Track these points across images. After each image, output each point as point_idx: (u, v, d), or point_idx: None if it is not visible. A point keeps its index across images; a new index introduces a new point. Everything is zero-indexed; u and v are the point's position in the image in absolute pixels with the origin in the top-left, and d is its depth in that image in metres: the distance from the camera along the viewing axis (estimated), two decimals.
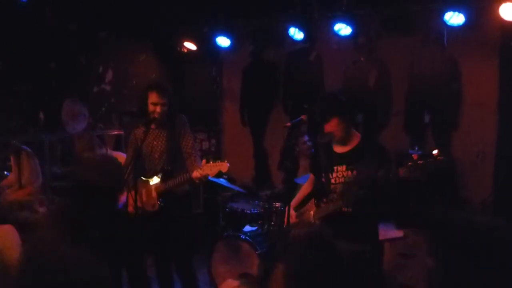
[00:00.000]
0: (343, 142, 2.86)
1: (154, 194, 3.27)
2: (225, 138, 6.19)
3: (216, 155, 6.00)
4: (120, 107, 5.56)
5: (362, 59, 5.12)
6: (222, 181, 4.22)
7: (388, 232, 3.93)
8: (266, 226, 3.96)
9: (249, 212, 4.13)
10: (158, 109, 3.23)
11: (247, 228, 4.02)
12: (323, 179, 2.90)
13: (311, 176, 3.16)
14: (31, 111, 4.86)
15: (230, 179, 4.59)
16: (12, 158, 4.17)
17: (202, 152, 6.13)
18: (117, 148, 4.86)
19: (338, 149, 2.88)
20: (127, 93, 5.64)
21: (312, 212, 2.99)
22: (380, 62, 5.06)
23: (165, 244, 3.33)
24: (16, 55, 4.62)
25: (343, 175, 2.80)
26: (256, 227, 4.02)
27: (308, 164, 4.46)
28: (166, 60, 5.94)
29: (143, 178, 3.33)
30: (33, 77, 4.80)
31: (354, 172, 2.76)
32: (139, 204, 3.23)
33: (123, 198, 3.77)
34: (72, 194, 1.77)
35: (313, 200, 3.03)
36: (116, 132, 5.35)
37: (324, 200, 2.89)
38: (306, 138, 4.48)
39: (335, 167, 2.84)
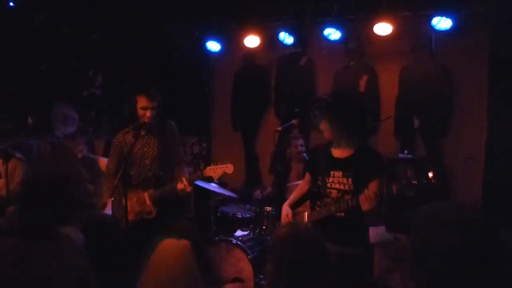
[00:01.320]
0: (341, 147, 2.87)
1: (148, 201, 3.25)
2: (216, 142, 6.18)
3: (207, 159, 5.99)
4: (110, 111, 5.52)
5: (352, 63, 5.15)
6: (213, 185, 4.21)
7: (379, 236, 3.95)
8: (257, 230, 3.95)
9: (240, 216, 4.12)
10: (148, 113, 3.20)
11: (239, 232, 4.01)
12: (319, 182, 2.91)
13: (307, 175, 3.15)
14: (19, 114, 4.81)
15: (221, 183, 4.57)
16: (1, 164, 4.10)
17: (193, 156, 6.11)
18: (106, 153, 4.81)
19: (336, 153, 2.89)
20: (117, 97, 5.61)
21: (306, 214, 3.01)
22: (370, 67, 5.10)
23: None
24: (5, 58, 4.58)
25: (338, 181, 2.82)
26: (248, 231, 4.01)
27: (302, 167, 4.48)
28: (156, 64, 5.92)
29: (132, 185, 3.26)
30: (22, 80, 4.76)
31: (350, 180, 2.78)
32: (134, 211, 3.21)
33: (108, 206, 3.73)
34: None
35: (308, 202, 3.03)
36: (105, 137, 5.31)
37: (318, 203, 2.90)
38: (300, 142, 4.49)
39: (331, 172, 2.85)
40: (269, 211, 3.95)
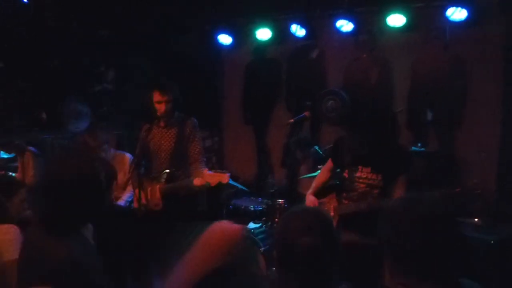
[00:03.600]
0: (369, 142, 2.86)
1: (157, 194, 3.29)
2: (228, 135, 6.19)
3: (219, 153, 6.01)
4: (121, 106, 5.56)
5: (364, 56, 5.10)
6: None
7: None
8: (269, 223, 3.96)
9: (252, 209, 4.14)
10: (162, 107, 3.25)
11: (251, 225, 4.03)
12: (345, 175, 2.91)
13: (329, 163, 3.15)
14: (33, 110, 4.86)
15: (233, 176, 4.59)
16: (18, 159, 4.18)
17: (205, 150, 6.13)
18: (119, 147, 4.85)
19: (364, 148, 2.88)
20: (129, 92, 5.63)
21: (332, 206, 3.01)
22: (382, 59, 5.05)
23: (170, 241, 3.34)
24: (18, 54, 4.62)
25: (367, 176, 2.84)
26: (260, 224, 4.02)
27: (311, 162, 4.47)
28: (168, 58, 5.93)
29: (150, 176, 3.35)
30: (35, 76, 4.80)
31: (379, 176, 2.79)
32: (143, 201, 3.25)
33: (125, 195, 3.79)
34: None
35: (333, 194, 3.04)
36: (118, 132, 5.35)
37: (345, 195, 2.91)
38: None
39: (359, 167, 2.86)
40: (281, 203, 3.95)
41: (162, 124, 3.34)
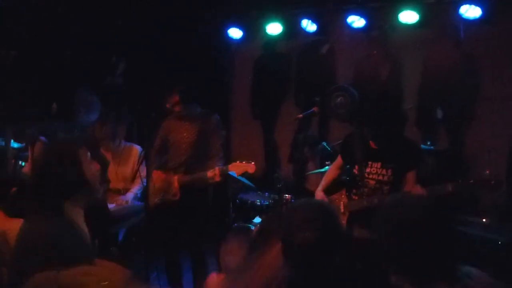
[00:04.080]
0: (378, 137, 2.85)
1: (176, 184, 3.35)
2: (236, 130, 6.19)
3: (226, 147, 6.00)
4: (132, 98, 5.58)
5: (375, 52, 5.07)
6: (231, 172, 4.24)
7: None
8: None
9: (259, 203, 4.15)
10: (176, 108, 3.40)
11: (257, 219, 4.04)
12: (355, 171, 2.90)
13: (338, 160, 3.16)
14: (45, 100, 4.90)
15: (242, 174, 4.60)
16: (29, 148, 4.23)
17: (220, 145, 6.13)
18: (128, 139, 4.88)
19: (374, 143, 2.88)
20: (139, 84, 5.66)
21: (342, 203, 3.01)
22: (393, 56, 5.01)
23: (179, 232, 3.39)
24: (30, 44, 4.65)
25: (377, 172, 2.83)
26: None
27: (319, 158, 4.46)
28: (177, 51, 5.94)
29: (168, 167, 3.43)
30: (47, 67, 4.83)
31: (389, 171, 2.77)
32: (160, 191, 3.35)
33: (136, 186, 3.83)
34: None
35: (342, 190, 3.04)
36: (127, 124, 5.38)
37: (355, 191, 2.91)
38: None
39: (369, 162, 2.86)
40: (288, 199, 3.95)
41: (185, 117, 3.42)
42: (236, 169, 3.20)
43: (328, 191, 3.14)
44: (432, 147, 4.44)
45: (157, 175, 3.43)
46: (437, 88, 4.76)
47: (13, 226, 2.40)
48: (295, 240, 1.32)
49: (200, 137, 3.37)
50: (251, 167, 3.17)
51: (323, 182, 3.19)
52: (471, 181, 2.67)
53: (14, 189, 2.54)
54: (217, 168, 3.25)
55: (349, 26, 4.83)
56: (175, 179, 3.37)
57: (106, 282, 1.00)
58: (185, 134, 3.40)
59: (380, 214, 1.47)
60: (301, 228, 1.33)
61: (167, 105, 3.41)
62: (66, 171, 1.80)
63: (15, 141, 4.51)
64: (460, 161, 4.54)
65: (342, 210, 2.97)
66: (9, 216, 2.47)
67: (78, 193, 1.83)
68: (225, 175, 3.29)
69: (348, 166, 3.09)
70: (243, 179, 4.34)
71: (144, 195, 3.79)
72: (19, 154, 4.60)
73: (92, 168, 1.90)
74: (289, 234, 1.36)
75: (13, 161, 4.45)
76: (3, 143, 4.43)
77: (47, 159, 1.88)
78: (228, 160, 3.48)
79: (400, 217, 1.40)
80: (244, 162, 3.21)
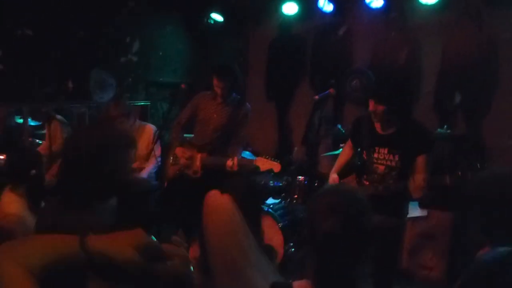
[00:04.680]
0: (386, 123, 2.80)
1: (198, 162, 3.41)
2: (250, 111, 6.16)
3: None
4: (146, 77, 5.59)
5: (393, 34, 4.96)
6: (246, 154, 4.24)
7: (412, 211, 3.90)
8: (289, 199, 3.97)
9: (272, 184, 4.15)
10: (219, 90, 3.40)
11: (270, 200, 4.05)
12: (364, 156, 2.88)
13: (349, 143, 3.15)
14: (61, 79, 4.94)
15: (253, 152, 4.59)
16: (46, 126, 4.27)
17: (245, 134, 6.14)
18: (143, 118, 4.90)
19: (380, 129, 2.83)
20: (154, 64, 5.66)
21: None
22: (412, 38, 4.90)
23: (192, 209, 3.42)
24: (46, 24, 4.67)
25: (384, 157, 2.80)
26: (279, 199, 4.03)
27: (330, 141, 4.43)
28: (192, 32, 5.90)
29: (192, 143, 3.50)
30: (62, 46, 4.85)
31: (396, 156, 2.74)
32: (182, 166, 3.46)
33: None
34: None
35: (353, 175, 3.02)
36: (142, 103, 5.40)
37: (365, 176, 2.89)
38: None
39: (376, 148, 2.82)
40: (301, 180, 3.95)
41: (218, 100, 3.44)
42: (261, 164, 3.19)
43: (340, 175, 3.12)
44: (448, 131, 4.37)
45: (181, 151, 3.49)
46: (456, 72, 4.66)
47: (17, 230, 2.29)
48: (319, 229, 1.32)
49: (229, 123, 3.41)
50: (276, 166, 3.15)
51: (336, 164, 3.18)
52: (469, 174, 2.58)
53: (33, 170, 2.48)
54: (235, 158, 3.28)
55: (367, 7, 4.74)
56: (198, 157, 3.42)
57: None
58: (215, 115, 3.45)
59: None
60: (325, 216, 1.32)
61: (215, 82, 3.41)
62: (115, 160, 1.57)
63: (31, 119, 4.56)
64: (477, 147, 4.46)
65: None
66: (28, 197, 2.44)
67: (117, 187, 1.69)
68: (244, 167, 3.31)
69: (358, 150, 3.06)
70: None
71: (159, 172, 3.82)
72: (36, 132, 4.66)
73: (130, 157, 1.84)
74: (313, 222, 1.35)
75: (29, 139, 4.51)
76: (21, 121, 4.48)
77: (89, 155, 1.49)
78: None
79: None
80: (270, 159, 3.20)
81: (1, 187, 2.56)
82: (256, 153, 4.59)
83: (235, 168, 3.26)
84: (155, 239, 1.01)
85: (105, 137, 1.55)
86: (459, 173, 2.54)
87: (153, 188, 4.01)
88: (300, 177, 3.96)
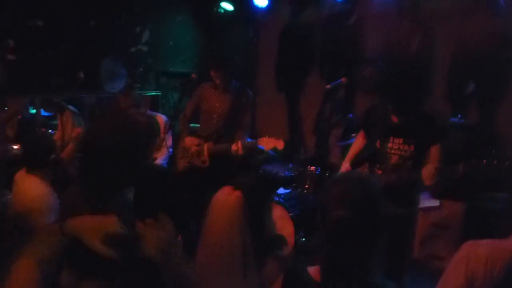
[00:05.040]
0: (400, 112, 2.78)
1: (205, 152, 3.51)
2: (260, 101, 6.15)
3: (250, 119, 5.99)
4: (156, 67, 5.60)
5: (404, 23, 4.89)
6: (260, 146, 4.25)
7: (424, 201, 3.88)
8: (299, 189, 3.98)
9: (283, 174, 4.16)
10: (218, 80, 3.49)
11: (281, 190, 4.05)
12: (377, 146, 2.87)
13: (362, 132, 3.14)
14: (72, 70, 4.96)
15: (252, 138, 4.60)
16: (58, 117, 4.32)
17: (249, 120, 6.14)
18: (153, 109, 4.92)
19: (396, 118, 2.81)
20: (164, 54, 5.66)
21: None
22: (424, 26, 4.83)
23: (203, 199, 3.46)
24: (57, 15, 4.68)
25: (399, 147, 2.78)
26: (290, 189, 4.04)
27: (341, 132, 4.41)
28: (202, 21, 5.88)
29: (198, 134, 3.59)
30: (73, 37, 4.87)
31: (412, 147, 2.73)
32: (191, 156, 3.52)
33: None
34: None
35: (366, 164, 3.01)
36: (153, 93, 5.42)
37: (378, 166, 2.88)
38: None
39: (391, 137, 2.80)
40: (312, 170, 3.95)
41: (220, 89, 3.54)
42: (265, 144, 3.30)
43: (352, 164, 3.11)
44: (462, 121, 4.32)
45: (190, 140, 3.58)
46: (469, 60, 4.58)
47: (42, 203, 2.53)
48: (331, 217, 1.32)
49: (232, 110, 3.50)
50: (280, 144, 3.27)
51: (349, 155, 3.16)
52: (484, 161, 2.54)
53: (52, 156, 2.74)
54: (239, 142, 3.36)
55: None
56: (206, 147, 3.51)
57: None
58: (217, 104, 3.53)
59: None
60: (336, 204, 1.31)
61: (212, 73, 3.49)
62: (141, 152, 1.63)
63: (43, 110, 4.61)
64: (491, 136, 4.41)
65: None
66: (48, 181, 2.68)
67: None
68: (249, 149, 3.39)
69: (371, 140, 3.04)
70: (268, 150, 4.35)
71: (170, 162, 3.87)
72: (48, 122, 4.71)
73: (151, 148, 1.89)
74: (324, 210, 1.35)
75: (43, 129, 4.56)
76: (34, 111, 4.53)
77: (109, 148, 1.48)
78: (253, 132, 3.54)
79: None
80: (273, 138, 3.30)
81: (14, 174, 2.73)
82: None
83: (240, 152, 3.35)
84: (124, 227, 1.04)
85: (126, 129, 1.54)
86: (474, 161, 2.52)
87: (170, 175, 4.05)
88: (311, 167, 3.96)
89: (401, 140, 2.77)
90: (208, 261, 1.72)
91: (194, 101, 3.67)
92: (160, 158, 4.20)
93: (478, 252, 1.40)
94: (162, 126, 4.23)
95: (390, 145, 2.80)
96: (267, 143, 3.30)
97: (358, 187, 1.37)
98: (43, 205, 2.50)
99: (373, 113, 2.97)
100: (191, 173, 3.54)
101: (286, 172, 4.18)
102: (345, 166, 3.09)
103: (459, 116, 4.35)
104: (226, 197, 1.76)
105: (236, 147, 3.34)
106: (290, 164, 4.35)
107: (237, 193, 1.75)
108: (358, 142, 3.16)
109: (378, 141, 2.87)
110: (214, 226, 1.74)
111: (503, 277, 1.33)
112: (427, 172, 2.61)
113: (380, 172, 2.90)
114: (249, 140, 4.15)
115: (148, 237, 1.06)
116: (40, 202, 2.52)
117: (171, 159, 3.84)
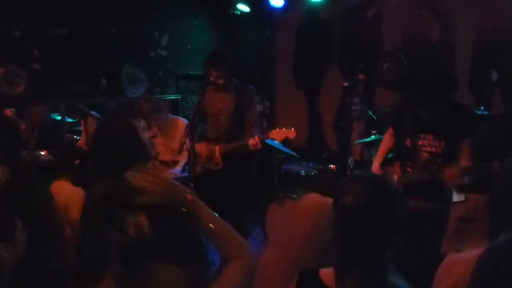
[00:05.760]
0: (428, 108, 2.73)
1: (218, 154, 3.52)
2: (279, 100, 6.15)
3: (270, 118, 6.01)
4: (176, 71, 5.67)
5: (424, 13, 4.80)
6: (275, 143, 4.25)
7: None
8: None
9: (304, 174, 4.15)
10: (218, 79, 3.48)
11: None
12: (408, 143, 2.83)
13: (390, 130, 3.10)
14: (94, 76, 5.08)
15: (284, 141, 4.59)
16: (82, 122, 4.43)
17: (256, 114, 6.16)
18: (174, 112, 4.98)
19: (424, 115, 2.76)
20: (183, 57, 5.72)
21: (396, 176, 2.95)
22: (444, 17, 4.72)
23: (222, 201, 3.49)
24: (78, 23, 4.80)
25: (430, 144, 2.74)
26: None
27: (363, 127, 4.36)
28: (219, 23, 5.92)
29: (208, 138, 3.61)
30: (94, 44, 4.98)
31: (442, 143, 2.68)
32: (203, 161, 3.53)
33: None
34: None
35: (397, 162, 2.99)
36: (173, 97, 5.49)
37: (409, 163, 2.85)
38: (356, 100, 4.36)
39: (421, 135, 2.77)
40: (333, 169, 3.93)
41: (221, 90, 3.55)
42: (276, 135, 3.29)
43: (383, 163, 3.08)
44: (486, 112, 4.21)
45: (200, 146, 3.59)
46: (492, 50, 4.46)
47: (75, 198, 2.67)
48: (340, 202, 1.33)
49: (237, 109, 3.51)
50: (291, 133, 3.26)
51: (379, 153, 3.13)
52: None
53: (77, 161, 2.93)
54: (257, 136, 3.35)
55: None
56: (217, 149, 3.52)
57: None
58: (221, 105, 3.55)
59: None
60: (348, 192, 1.32)
61: (211, 78, 3.49)
62: (126, 142, 1.91)
63: (68, 116, 4.73)
64: None
65: (396, 184, 2.92)
66: (75, 185, 2.84)
67: (137, 160, 1.93)
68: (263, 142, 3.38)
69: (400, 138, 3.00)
70: (286, 150, 4.35)
71: (187, 166, 3.91)
72: (73, 128, 4.84)
73: (146, 136, 2.04)
74: (337, 196, 1.36)
75: (68, 135, 4.69)
76: (59, 118, 4.66)
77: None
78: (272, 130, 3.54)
79: None
80: (283, 128, 3.28)
81: (44, 180, 2.85)
82: (286, 143, 4.59)
83: (259, 147, 3.34)
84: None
85: (117, 127, 1.97)
86: (510, 159, 2.45)
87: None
88: (331, 165, 3.94)
89: (431, 137, 2.73)
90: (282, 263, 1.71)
91: (198, 106, 3.68)
92: (182, 162, 4.26)
93: (457, 265, 1.40)
94: (183, 130, 4.29)
95: (420, 142, 2.76)
96: (278, 135, 3.29)
97: (371, 181, 1.38)
98: (80, 198, 2.73)
99: (400, 110, 2.92)
100: (206, 178, 3.55)
101: (307, 171, 4.17)
102: (375, 166, 3.06)
103: (483, 107, 4.24)
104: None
105: (254, 141, 3.33)
106: (311, 163, 4.33)
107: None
108: (386, 141, 3.12)
109: (408, 139, 2.83)
110: (303, 229, 1.71)
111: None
112: (452, 172, 2.57)
113: (410, 170, 2.86)
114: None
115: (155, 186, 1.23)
116: (77, 196, 2.76)
117: (188, 162, 3.88)
